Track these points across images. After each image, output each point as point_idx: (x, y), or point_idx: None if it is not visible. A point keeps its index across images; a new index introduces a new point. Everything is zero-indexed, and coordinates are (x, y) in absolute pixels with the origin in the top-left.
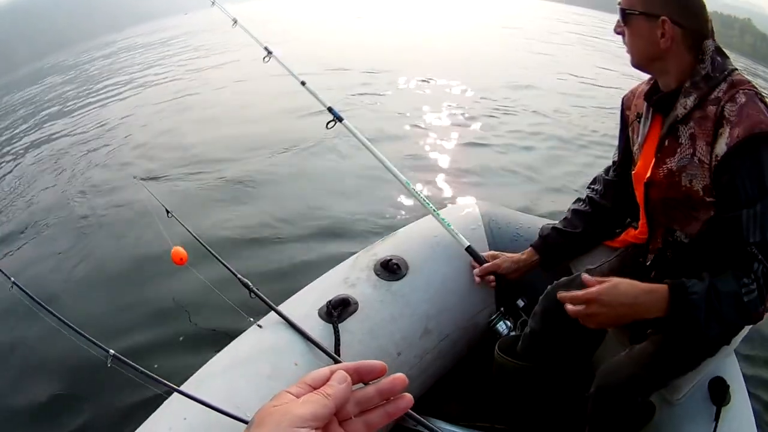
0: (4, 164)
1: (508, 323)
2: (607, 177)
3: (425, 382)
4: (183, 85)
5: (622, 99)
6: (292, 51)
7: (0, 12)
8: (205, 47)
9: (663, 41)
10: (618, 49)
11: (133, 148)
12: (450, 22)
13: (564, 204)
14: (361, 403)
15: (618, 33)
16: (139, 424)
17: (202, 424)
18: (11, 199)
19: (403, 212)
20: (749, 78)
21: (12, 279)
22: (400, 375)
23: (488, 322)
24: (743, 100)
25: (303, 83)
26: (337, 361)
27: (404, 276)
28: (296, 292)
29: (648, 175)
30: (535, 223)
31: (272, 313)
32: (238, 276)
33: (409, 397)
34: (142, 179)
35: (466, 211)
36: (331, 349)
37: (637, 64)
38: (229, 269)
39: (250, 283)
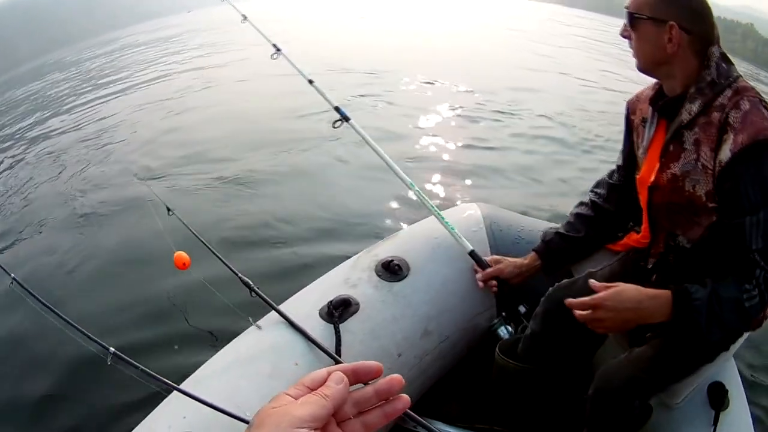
0: (4, 160)
1: (509, 328)
2: (610, 181)
3: (425, 382)
4: (186, 83)
5: (627, 103)
6: (293, 51)
7: (2, 9)
8: (209, 45)
9: (670, 46)
10: (621, 53)
11: (135, 145)
12: (453, 23)
13: (566, 207)
14: (359, 403)
15: (624, 37)
16: (139, 422)
17: (202, 422)
18: (12, 196)
19: (405, 213)
20: (752, 83)
21: (12, 275)
22: (397, 376)
23: (489, 327)
24: (747, 107)
25: (311, 82)
26: (337, 362)
27: (405, 277)
28: (297, 291)
29: (652, 179)
30: (537, 226)
31: (273, 312)
32: (239, 275)
33: (406, 398)
34: (143, 177)
35: (468, 213)
36: (331, 349)
37: (643, 68)
38: (230, 268)
39: (251, 283)
